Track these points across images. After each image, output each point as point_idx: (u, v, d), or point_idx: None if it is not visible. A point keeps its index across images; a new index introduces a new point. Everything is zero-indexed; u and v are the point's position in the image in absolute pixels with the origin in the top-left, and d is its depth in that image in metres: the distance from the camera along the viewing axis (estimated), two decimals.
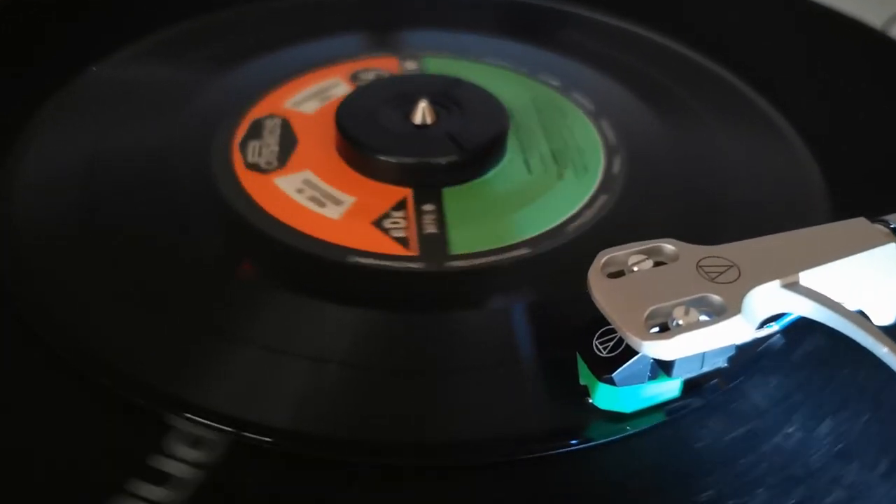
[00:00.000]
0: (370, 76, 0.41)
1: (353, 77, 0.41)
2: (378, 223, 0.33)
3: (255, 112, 0.38)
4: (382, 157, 0.35)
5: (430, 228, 0.33)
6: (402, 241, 0.32)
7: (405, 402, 0.28)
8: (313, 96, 0.40)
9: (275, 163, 0.36)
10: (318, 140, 0.37)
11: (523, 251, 0.32)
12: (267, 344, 0.29)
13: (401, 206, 0.34)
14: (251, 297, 0.31)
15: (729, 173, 0.37)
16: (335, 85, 0.40)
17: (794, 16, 0.49)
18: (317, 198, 0.34)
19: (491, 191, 0.35)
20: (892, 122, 0.41)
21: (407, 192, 0.34)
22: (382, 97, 0.37)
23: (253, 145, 0.37)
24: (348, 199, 0.34)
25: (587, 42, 0.45)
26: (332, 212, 0.34)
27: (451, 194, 0.35)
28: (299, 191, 0.34)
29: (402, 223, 0.33)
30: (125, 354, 0.28)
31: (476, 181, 0.35)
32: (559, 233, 0.33)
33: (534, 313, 0.30)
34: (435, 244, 0.32)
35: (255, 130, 0.37)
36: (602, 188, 0.35)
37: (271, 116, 0.38)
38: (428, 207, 0.34)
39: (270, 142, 0.37)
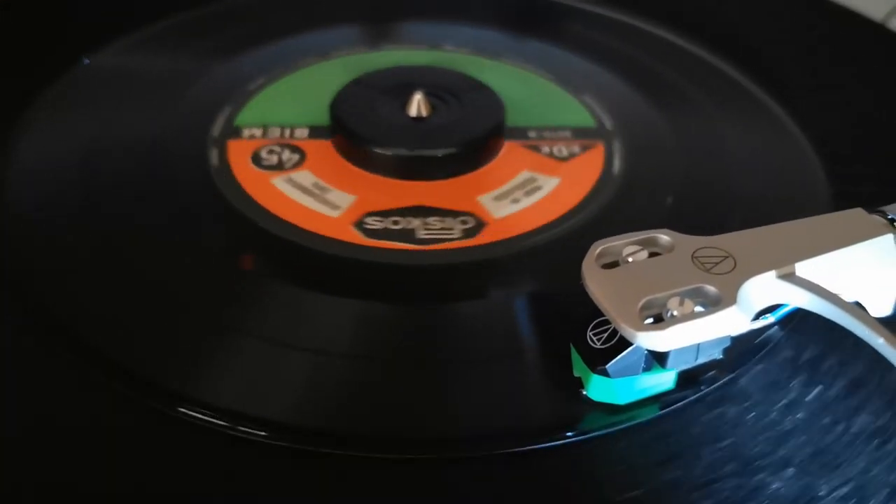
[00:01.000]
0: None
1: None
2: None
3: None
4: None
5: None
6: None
7: (398, 396, 0.28)
8: None
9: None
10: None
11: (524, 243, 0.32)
12: (265, 335, 0.29)
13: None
14: (251, 288, 0.31)
15: (730, 166, 0.37)
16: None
17: (795, 8, 0.49)
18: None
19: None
20: (892, 114, 0.41)
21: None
22: (381, 89, 0.37)
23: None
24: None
25: (589, 35, 0.45)
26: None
27: None
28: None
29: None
30: (119, 342, 0.28)
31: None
32: (556, 225, 0.33)
33: (527, 305, 0.30)
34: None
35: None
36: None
37: None
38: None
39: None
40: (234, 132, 0.37)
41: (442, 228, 0.33)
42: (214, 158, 0.35)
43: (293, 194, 0.34)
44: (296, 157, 0.36)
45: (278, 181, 0.34)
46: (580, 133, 0.38)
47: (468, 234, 0.33)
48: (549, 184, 0.35)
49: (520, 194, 0.35)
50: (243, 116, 0.38)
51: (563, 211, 0.34)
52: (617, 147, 0.37)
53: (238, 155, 0.36)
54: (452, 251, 0.32)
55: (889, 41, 0.46)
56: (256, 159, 0.35)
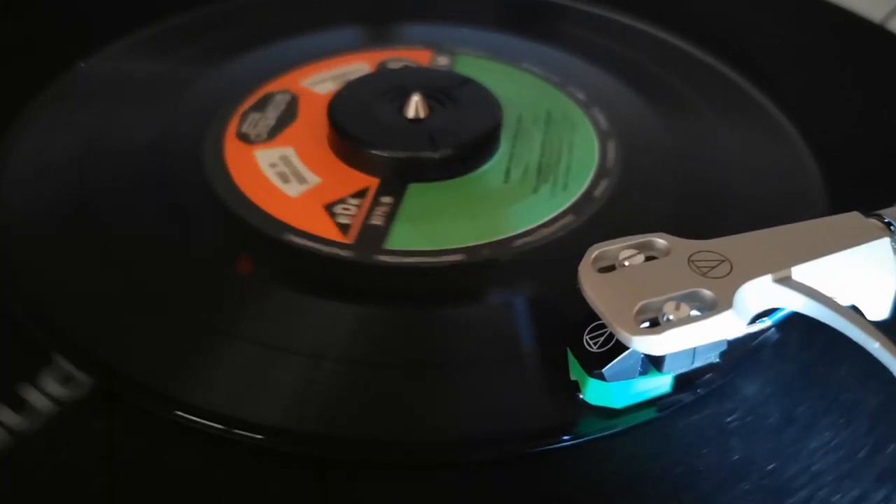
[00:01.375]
0: (398, 66, 0.41)
1: (381, 65, 0.41)
2: (329, 207, 0.33)
3: (271, 86, 0.39)
4: (354, 144, 0.35)
5: (377, 220, 0.33)
6: (343, 228, 0.32)
7: (395, 400, 0.28)
8: (332, 79, 0.40)
9: (264, 135, 0.36)
10: (315, 120, 0.37)
11: (457, 257, 0.32)
12: (259, 338, 0.29)
13: (360, 194, 0.34)
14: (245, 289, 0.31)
15: (726, 168, 0.37)
16: (358, 70, 0.40)
17: (792, 9, 0.49)
18: (285, 174, 0.34)
19: (457, 193, 0.34)
20: (889, 116, 0.41)
21: (373, 182, 0.34)
22: (380, 88, 0.37)
23: (253, 116, 0.37)
24: (314, 180, 0.34)
25: (582, 35, 0.45)
26: (292, 190, 0.34)
27: (415, 190, 0.34)
28: (272, 165, 0.35)
29: (353, 210, 0.33)
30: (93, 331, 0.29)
31: (446, 182, 0.35)
32: (503, 246, 0.32)
33: (525, 308, 0.30)
34: (373, 236, 0.32)
35: (262, 103, 0.38)
36: (572, 209, 0.34)
37: (283, 91, 0.39)
38: (386, 200, 0.34)
39: (270, 115, 0.37)
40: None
41: None
42: (211, 135, 0.36)
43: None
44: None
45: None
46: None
47: None
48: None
49: None
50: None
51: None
52: (611, 146, 0.37)
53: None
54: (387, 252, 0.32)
55: (888, 42, 0.46)
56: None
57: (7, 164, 0.36)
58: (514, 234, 0.33)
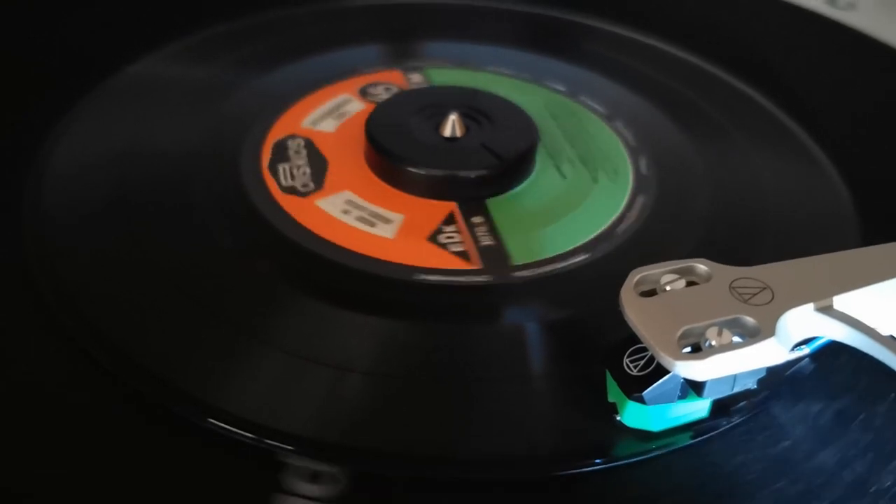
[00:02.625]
0: (379, 90, 0.41)
1: (363, 92, 0.41)
2: (433, 239, 0.33)
3: (274, 133, 0.38)
4: (424, 171, 0.35)
5: (486, 240, 0.33)
6: (463, 255, 0.32)
7: (437, 416, 0.28)
8: (328, 114, 0.39)
9: (311, 185, 0.35)
10: (348, 159, 0.37)
11: (582, 256, 0.33)
12: (354, 366, 0.29)
13: (450, 220, 0.34)
14: (325, 322, 0.30)
15: (760, 194, 0.37)
16: (347, 101, 0.40)
17: (825, 39, 0.49)
18: (365, 217, 0.34)
19: (533, 199, 0.35)
20: None
21: (452, 206, 0.34)
22: (409, 111, 0.37)
23: (283, 167, 0.36)
24: (397, 217, 0.34)
25: (595, 50, 0.46)
26: (384, 231, 0.33)
27: (495, 205, 0.35)
28: (345, 212, 0.34)
29: (457, 237, 0.33)
30: (160, 359, 0.29)
31: (516, 191, 0.35)
32: (610, 235, 0.34)
33: (560, 329, 0.30)
34: (496, 256, 0.33)
35: (281, 153, 0.37)
36: (637, 189, 0.36)
37: (293, 137, 0.38)
38: (477, 220, 0.34)
39: (300, 163, 0.36)
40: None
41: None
42: (256, 194, 0.35)
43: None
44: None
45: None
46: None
47: None
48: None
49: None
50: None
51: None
52: (643, 164, 0.38)
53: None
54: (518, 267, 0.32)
55: None
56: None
57: (50, 167, 0.36)
58: (611, 222, 0.34)
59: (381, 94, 0.40)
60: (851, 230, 0.35)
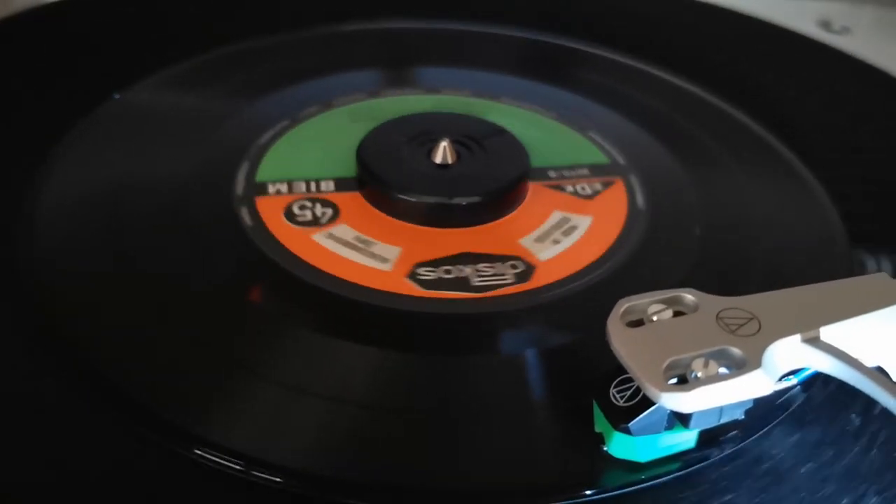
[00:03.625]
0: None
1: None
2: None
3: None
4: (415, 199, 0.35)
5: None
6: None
7: (417, 448, 0.28)
8: None
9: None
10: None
11: (573, 284, 0.33)
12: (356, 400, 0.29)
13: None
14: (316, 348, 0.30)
15: (750, 221, 0.37)
16: None
17: (819, 64, 0.49)
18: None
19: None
20: None
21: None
22: (398, 142, 0.37)
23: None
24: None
25: (595, 80, 0.46)
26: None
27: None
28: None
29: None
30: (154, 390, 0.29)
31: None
32: (602, 263, 0.34)
33: (550, 359, 0.30)
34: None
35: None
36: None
37: None
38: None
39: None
40: (259, 189, 0.36)
41: (495, 274, 0.33)
42: (247, 217, 0.35)
43: (339, 250, 0.34)
44: (329, 210, 0.36)
45: (320, 237, 0.34)
46: (597, 170, 0.39)
47: (520, 278, 0.33)
48: (583, 222, 0.36)
49: (559, 235, 0.35)
50: (264, 171, 0.37)
51: (605, 249, 0.35)
52: (636, 182, 0.38)
53: (271, 213, 0.35)
54: (510, 297, 0.32)
55: None
56: (290, 216, 0.35)
57: (41, 195, 0.36)
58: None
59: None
60: (843, 257, 0.35)
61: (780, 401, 0.29)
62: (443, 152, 0.36)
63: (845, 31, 0.54)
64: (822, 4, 0.56)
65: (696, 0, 0.54)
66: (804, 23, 0.53)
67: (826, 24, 0.54)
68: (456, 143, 0.37)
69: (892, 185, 0.40)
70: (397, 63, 0.47)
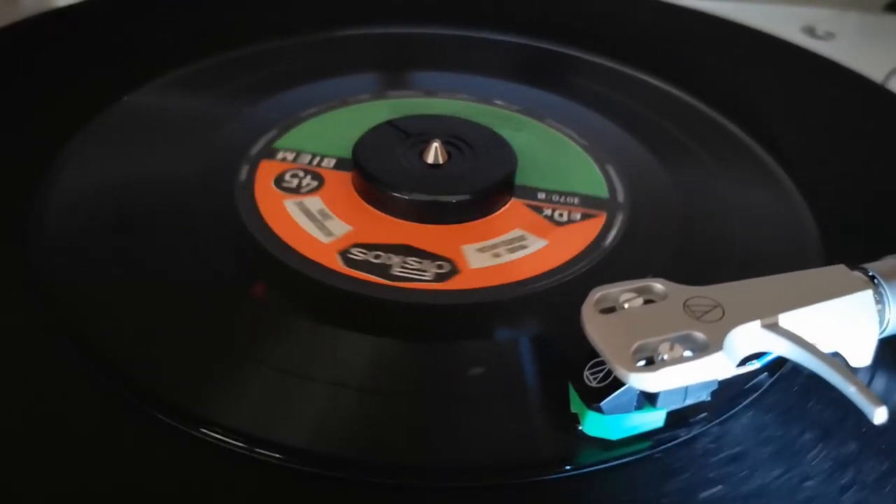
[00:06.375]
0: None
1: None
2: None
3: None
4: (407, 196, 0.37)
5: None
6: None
7: (398, 425, 0.29)
8: None
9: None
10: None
11: (554, 277, 0.34)
12: (275, 364, 0.31)
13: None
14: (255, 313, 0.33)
15: (726, 220, 0.39)
16: None
17: (801, 69, 0.51)
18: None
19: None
20: (887, 174, 0.43)
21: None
22: (390, 144, 0.39)
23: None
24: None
25: (586, 85, 0.48)
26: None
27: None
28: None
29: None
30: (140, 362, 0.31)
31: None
32: (525, 286, 0.34)
33: (530, 345, 0.32)
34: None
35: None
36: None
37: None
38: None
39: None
40: (270, 153, 0.40)
41: (417, 269, 0.34)
42: (244, 174, 0.38)
43: (298, 217, 0.36)
44: (314, 183, 0.38)
45: (289, 203, 0.37)
46: (589, 202, 0.39)
47: (439, 278, 0.34)
48: (536, 244, 0.36)
49: (503, 250, 0.36)
50: (286, 140, 0.41)
51: (536, 273, 0.35)
52: (619, 220, 0.38)
53: (265, 175, 0.38)
54: (419, 291, 0.34)
55: (889, 102, 0.48)
56: (279, 181, 0.38)
57: (49, 196, 0.37)
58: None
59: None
60: (815, 255, 0.37)
61: (748, 385, 0.31)
62: (434, 152, 0.38)
63: (829, 36, 0.56)
64: (806, 10, 0.57)
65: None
66: (789, 29, 0.55)
67: (810, 30, 0.56)
68: (448, 145, 0.39)
69: (862, 182, 0.42)
70: (403, 67, 0.49)
